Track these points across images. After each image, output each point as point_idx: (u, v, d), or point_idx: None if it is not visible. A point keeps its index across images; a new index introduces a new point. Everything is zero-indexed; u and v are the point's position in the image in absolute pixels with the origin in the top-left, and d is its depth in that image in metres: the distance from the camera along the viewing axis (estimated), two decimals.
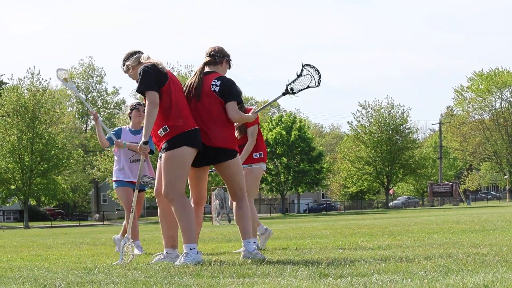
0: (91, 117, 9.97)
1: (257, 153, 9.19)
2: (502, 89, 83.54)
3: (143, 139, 7.04)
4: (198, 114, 7.24)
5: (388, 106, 78.82)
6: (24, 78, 61.65)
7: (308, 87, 7.98)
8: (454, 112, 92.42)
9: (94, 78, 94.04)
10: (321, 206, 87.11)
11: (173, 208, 7.01)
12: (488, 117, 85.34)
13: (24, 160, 58.98)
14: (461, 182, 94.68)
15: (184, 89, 7.34)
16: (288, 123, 74.68)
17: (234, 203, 7.48)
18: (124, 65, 7.47)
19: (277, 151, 72.78)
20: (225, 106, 7.27)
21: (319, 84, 8.07)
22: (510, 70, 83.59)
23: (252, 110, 7.93)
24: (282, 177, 74.33)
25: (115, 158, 10.29)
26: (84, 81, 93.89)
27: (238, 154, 7.42)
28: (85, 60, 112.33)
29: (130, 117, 10.35)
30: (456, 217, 22.56)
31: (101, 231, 29.09)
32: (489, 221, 16.13)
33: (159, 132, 7.07)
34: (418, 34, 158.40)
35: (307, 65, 8.03)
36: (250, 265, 6.25)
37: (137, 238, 9.94)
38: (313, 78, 7.99)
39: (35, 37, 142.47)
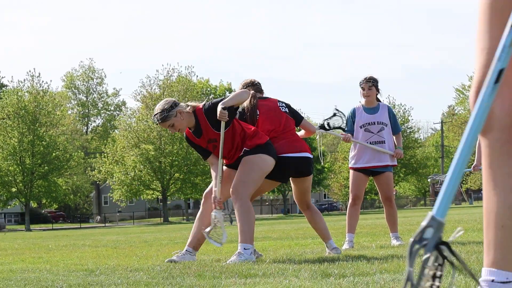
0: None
1: None
2: None
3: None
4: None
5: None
6: (24, 80, 61.83)
7: (340, 127, 8.80)
8: (456, 111, 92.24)
9: (95, 80, 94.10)
10: (322, 206, 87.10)
11: (239, 206, 7.06)
12: None
13: (25, 163, 59.05)
14: (463, 182, 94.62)
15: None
16: None
17: (307, 211, 7.88)
18: (170, 112, 7.07)
19: None
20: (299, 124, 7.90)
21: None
22: None
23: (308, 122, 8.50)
24: None
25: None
26: (84, 83, 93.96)
27: None
28: (85, 62, 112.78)
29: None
30: (458, 216, 22.56)
31: (103, 233, 29.10)
32: None
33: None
34: (419, 33, 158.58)
35: (338, 110, 8.88)
36: (252, 265, 6.23)
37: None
38: (343, 122, 8.86)
39: (35, 39, 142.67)
